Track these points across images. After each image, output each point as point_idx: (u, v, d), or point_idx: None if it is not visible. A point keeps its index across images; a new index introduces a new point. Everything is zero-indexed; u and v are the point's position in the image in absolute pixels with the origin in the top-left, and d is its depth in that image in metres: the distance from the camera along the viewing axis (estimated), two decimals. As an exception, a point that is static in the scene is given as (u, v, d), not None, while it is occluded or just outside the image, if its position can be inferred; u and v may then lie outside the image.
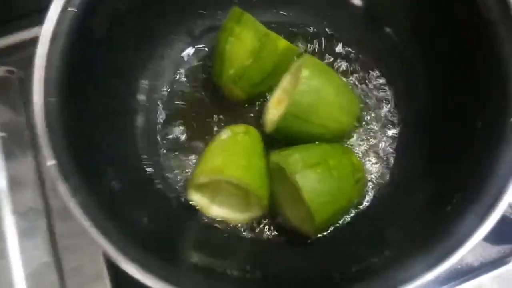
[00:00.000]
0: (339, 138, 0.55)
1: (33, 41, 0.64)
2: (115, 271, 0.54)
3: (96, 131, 0.45)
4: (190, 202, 0.50)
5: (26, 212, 0.58)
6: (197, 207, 0.51)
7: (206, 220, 0.52)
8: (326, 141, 0.52)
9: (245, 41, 0.52)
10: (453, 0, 0.48)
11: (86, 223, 0.35)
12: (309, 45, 0.61)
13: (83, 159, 0.39)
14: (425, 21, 0.54)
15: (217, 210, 0.52)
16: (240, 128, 0.52)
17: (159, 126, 0.57)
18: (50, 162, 0.37)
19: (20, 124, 0.62)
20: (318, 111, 0.49)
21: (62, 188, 0.36)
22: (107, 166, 0.45)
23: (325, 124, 0.50)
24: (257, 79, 0.54)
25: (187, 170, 0.56)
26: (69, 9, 0.43)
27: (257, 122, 0.57)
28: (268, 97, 0.56)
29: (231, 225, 0.52)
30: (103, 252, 0.53)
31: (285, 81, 0.55)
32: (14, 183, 0.59)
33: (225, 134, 0.52)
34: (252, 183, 0.48)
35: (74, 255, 0.55)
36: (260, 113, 0.57)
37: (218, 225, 0.52)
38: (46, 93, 0.40)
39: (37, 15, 0.66)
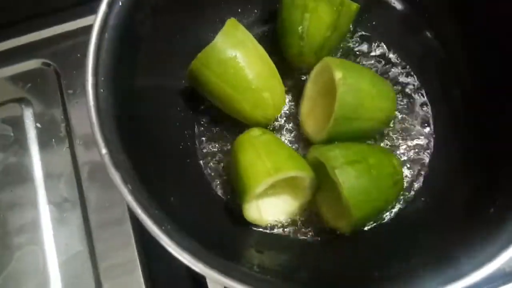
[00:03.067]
0: (386, 125, 0.55)
1: (68, 35, 0.68)
2: (147, 259, 0.56)
3: (144, 121, 0.46)
4: (249, 220, 0.50)
5: (61, 203, 0.59)
6: (253, 223, 0.51)
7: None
8: (375, 133, 0.54)
9: (323, 14, 0.52)
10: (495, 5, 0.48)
11: (138, 211, 0.36)
12: (350, 45, 0.62)
13: (132, 148, 0.40)
14: (466, 25, 0.54)
15: (270, 216, 0.52)
16: (257, 131, 0.52)
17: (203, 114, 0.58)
18: (102, 150, 0.38)
19: (56, 116, 0.63)
20: (364, 105, 0.50)
21: (114, 175, 0.37)
22: (156, 155, 0.46)
23: (373, 116, 0.51)
24: (335, 45, 0.57)
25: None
26: (118, 3, 0.44)
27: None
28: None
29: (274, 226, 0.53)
30: (135, 240, 0.56)
31: (308, 90, 0.55)
32: (49, 174, 0.61)
33: (248, 139, 0.52)
34: (305, 168, 0.49)
35: (107, 244, 0.56)
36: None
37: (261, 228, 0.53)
38: (96, 84, 0.41)
39: (72, 10, 0.69)
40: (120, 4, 0.44)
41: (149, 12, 0.48)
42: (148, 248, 0.56)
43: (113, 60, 0.43)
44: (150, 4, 0.48)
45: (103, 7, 0.43)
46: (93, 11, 0.66)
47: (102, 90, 0.41)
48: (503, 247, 0.37)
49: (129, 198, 0.36)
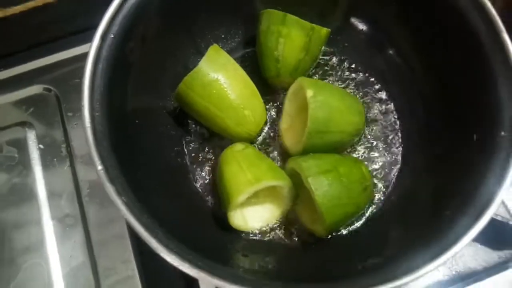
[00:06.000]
0: (356, 137, 0.60)
1: (67, 62, 0.73)
2: (145, 271, 0.59)
3: (136, 139, 0.51)
4: (234, 227, 0.54)
5: (63, 218, 0.63)
6: (238, 229, 0.55)
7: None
8: (347, 144, 0.59)
9: (295, 39, 0.58)
10: (446, 24, 0.54)
11: (131, 219, 0.41)
12: (322, 64, 0.67)
13: (126, 164, 0.45)
14: (424, 43, 0.59)
15: (254, 223, 0.56)
16: (240, 145, 0.57)
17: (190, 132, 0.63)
18: (98, 167, 0.42)
19: (57, 137, 0.68)
20: (334, 119, 0.54)
21: (109, 189, 0.41)
22: (148, 170, 0.50)
23: (343, 129, 0.56)
24: (308, 66, 0.62)
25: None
26: (110, 36, 0.49)
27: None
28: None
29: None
30: (134, 253, 0.60)
31: (286, 107, 0.60)
32: (51, 192, 0.64)
33: (232, 153, 0.56)
34: (284, 178, 0.53)
35: (107, 256, 0.60)
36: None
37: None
38: (92, 109, 0.45)
39: (70, 38, 0.74)
40: (112, 36, 0.48)
41: (139, 41, 0.52)
42: (146, 260, 0.59)
43: (106, 86, 0.47)
44: (139, 34, 0.52)
45: (96, 40, 0.47)
46: (89, 39, 0.72)
47: (97, 114, 0.45)
48: (452, 244, 0.41)
49: (123, 208, 0.41)
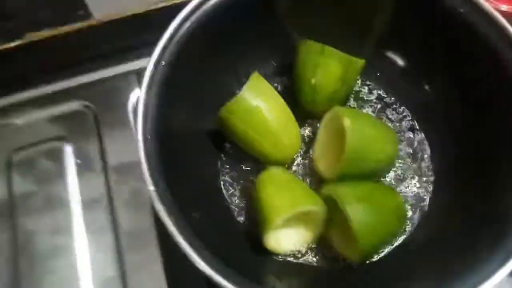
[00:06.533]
0: (389, 166, 0.62)
1: (107, 80, 0.77)
2: (173, 282, 0.61)
3: (179, 161, 0.54)
4: (268, 249, 0.55)
5: (97, 230, 0.65)
6: (273, 251, 0.56)
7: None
8: (380, 172, 0.61)
9: (333, 70, 0.60)
10: (481, 64, 0.56)
11: (178, 238, 0.43)
12: (358, 94, 0.69)
13: (172, 185, 0.47)
14: (460, 79, 0.61)
15: (288, 245, 0.57)
16: (276, 169, 0.59)
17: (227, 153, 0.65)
18: (150, 188, 0.45)
19: (92, 153, 0.71)
20: (370, 148, 0.56)
21: (160, 209, 0.44)
22: (189, 190, 0.53)
23: (378, 158, 0.58)
24: (344, 96, 0.65)
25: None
26: (162, 63, 0.52)
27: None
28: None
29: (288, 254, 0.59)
30: (164, 268, 0.62)
31: (320, 135, 0.62)
32: (87, 205, 0.67)
33: (269, 177, 0.58)
34: (319, 203, 0.55)
35: (138, 271, 0.62)
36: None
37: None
38: (145, 131, 0.48)
39: (110, 57, 0.78)
40: (163, 63, 0.52)
41: (186, 67, 0.55)
42: (174, 271, 0.62)
43: (157, 110, 0.50)
44: (188, 61, 0.55)
45: (150, 67, 0.50)
46: (128, 59, 0.76)
47: (149, 136, 0.48)
48: (489, 276, 0.43)
49: (173, 229, 0.43)
